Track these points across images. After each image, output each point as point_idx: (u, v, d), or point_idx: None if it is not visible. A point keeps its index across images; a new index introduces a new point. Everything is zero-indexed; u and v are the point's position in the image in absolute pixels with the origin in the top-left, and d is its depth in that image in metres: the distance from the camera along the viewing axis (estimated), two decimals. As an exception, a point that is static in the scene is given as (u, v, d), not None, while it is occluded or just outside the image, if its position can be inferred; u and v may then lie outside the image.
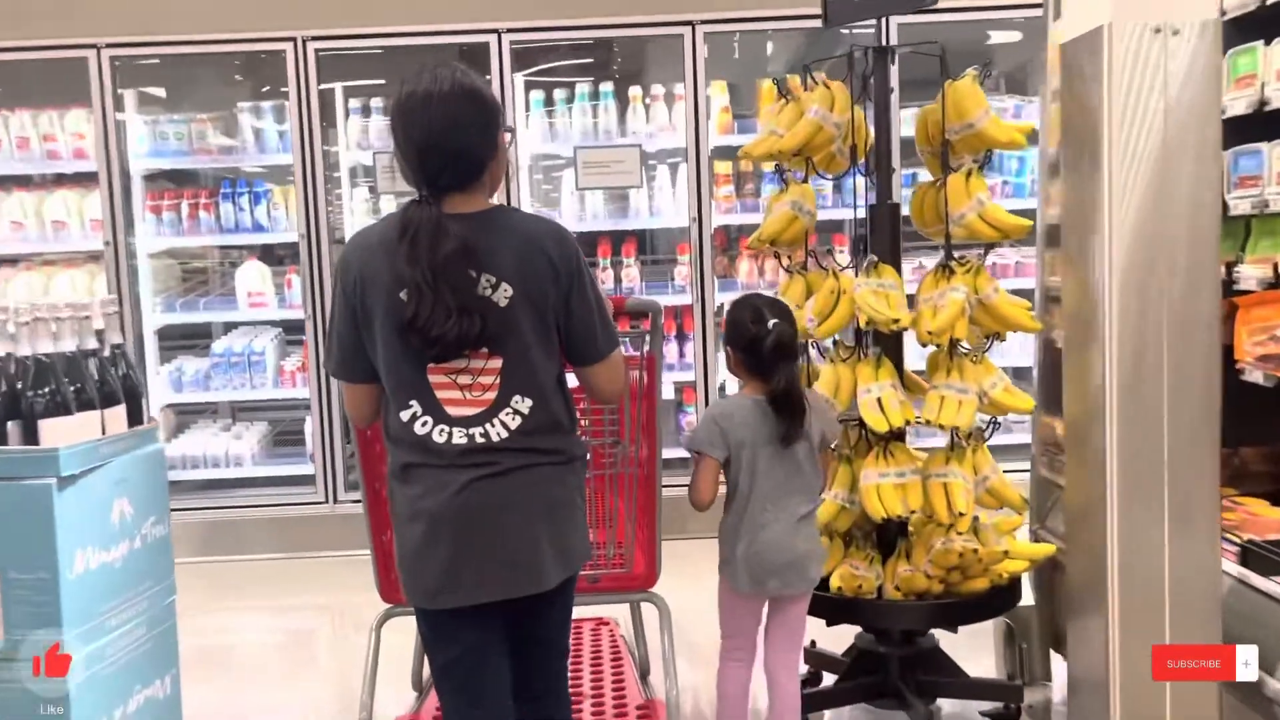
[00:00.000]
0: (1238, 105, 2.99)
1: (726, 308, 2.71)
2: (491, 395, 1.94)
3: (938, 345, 2.72)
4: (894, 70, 3.13)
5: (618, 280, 5.26)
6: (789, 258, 3.06)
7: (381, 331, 1.94)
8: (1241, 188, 3.01)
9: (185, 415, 5.66)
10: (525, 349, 1.95)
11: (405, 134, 1.93)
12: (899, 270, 2.84)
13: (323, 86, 5.02)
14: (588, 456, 2.16)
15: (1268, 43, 2.97)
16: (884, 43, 2.93)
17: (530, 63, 5.31)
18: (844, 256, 4.46)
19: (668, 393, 5.31)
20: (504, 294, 1.92)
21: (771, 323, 2.51)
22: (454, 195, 1.94)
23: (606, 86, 5.22)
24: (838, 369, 2.81)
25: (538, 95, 5.23)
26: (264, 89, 5.50)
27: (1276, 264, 2.88)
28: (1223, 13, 2.61)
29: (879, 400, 2.71)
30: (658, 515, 2.83)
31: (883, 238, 2.91)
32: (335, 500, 5.13)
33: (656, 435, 2.80)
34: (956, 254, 2.97)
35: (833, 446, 2.80)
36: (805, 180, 3.00)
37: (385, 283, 1.91)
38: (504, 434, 1.94)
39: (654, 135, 5.23)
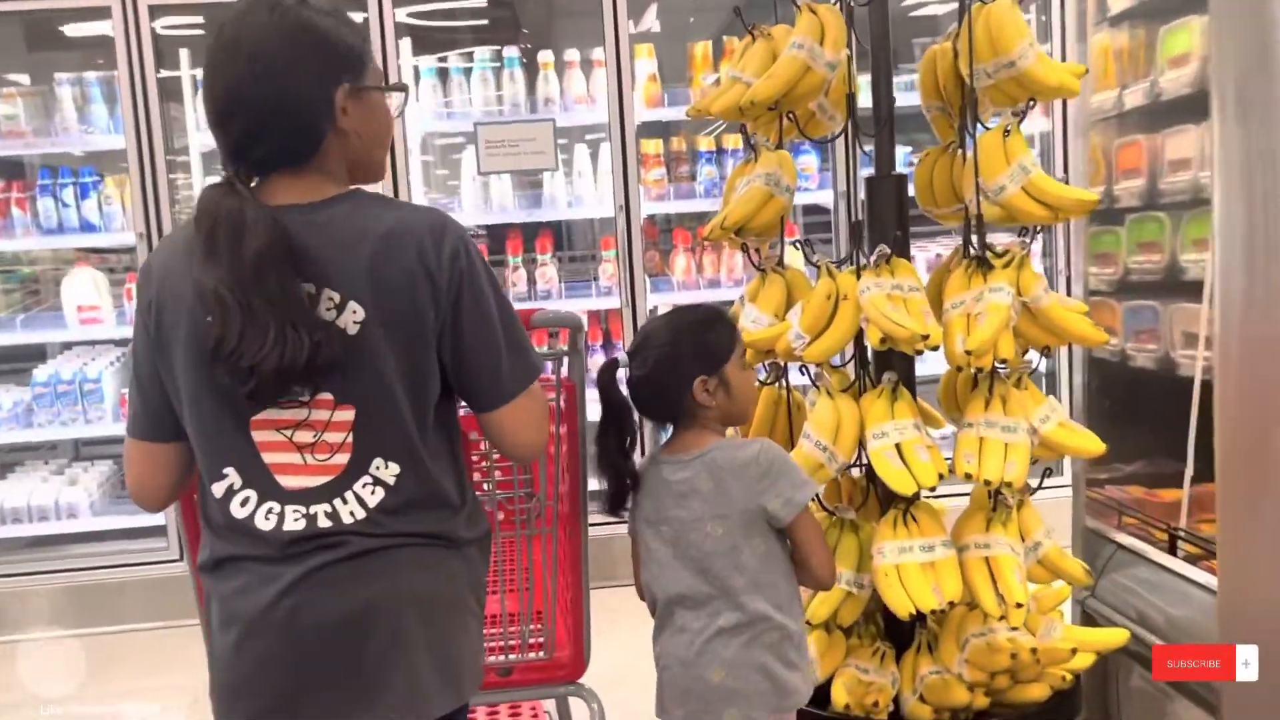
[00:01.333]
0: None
1: (673, 320, 1.93)
2: (342, 459, 1.42)
3: (977, 369, 1.97)
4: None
5: (532, 282, 4.43)
6: (757, 251, 2.28)
7: (184, 370, 1.43)
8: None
9: (7, 456, 4.66)
10: (387, 394, 1.41)
11: (209, 89, 1.43)
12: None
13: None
14: (489, 536, 1.59)
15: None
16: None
17: (416, 13, 4.44)
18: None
19: (594, 413, 4.49)
20: (352, 316, 1.39)
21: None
22: (279, 177, 1.44)
23: (511, 51, 4.38)
24: (837, 404, 2.03)
25: (428, 61, 4.37)
26: (93, 59, 4.53)
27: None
28: None
29: (898, 448, 1.95)
30: (585, 583, 2.20)
31: (886, 221, 2.15)
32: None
33: (581, 482, 2.16)
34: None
35: (833, 508, 2.03)
36: (780, 145, 2.22)
37: (188, 300, 1.41)
38: (359, 514, 1.43)
39: (570, 109, 4.41)
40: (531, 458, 1.69)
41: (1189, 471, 2.65)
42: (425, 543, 1.46)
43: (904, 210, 2.17)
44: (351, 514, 1.42)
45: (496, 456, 2.14)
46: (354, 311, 1.38)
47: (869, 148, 2.15)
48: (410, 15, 4.33)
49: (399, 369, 1.41)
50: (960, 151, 2.28)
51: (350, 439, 1.42)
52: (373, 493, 1.43)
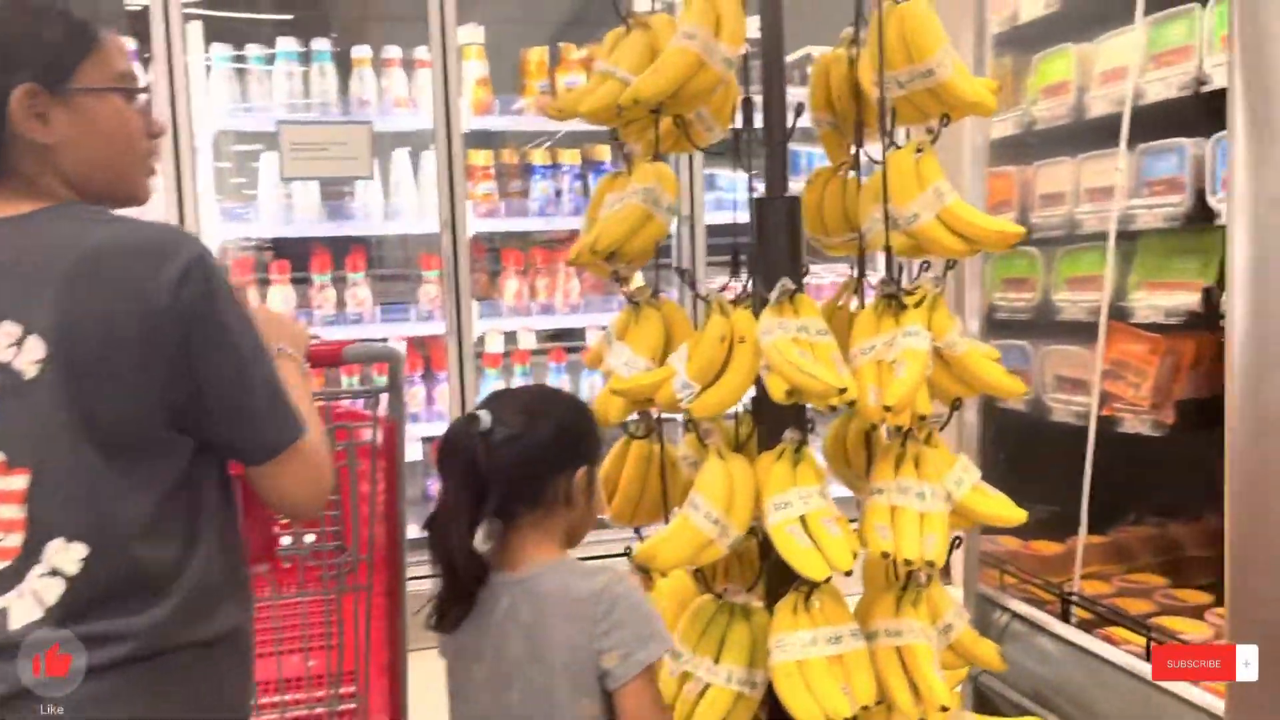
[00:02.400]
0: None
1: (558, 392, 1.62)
2: (15, 541, 1.16)
3: (896, 427, 1.68)
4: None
5: (341, 304, 3.93)
6: (625, 280, 1.92)
7: None
8: (1236, 187, 2.19)
9: None
10: (71, 456, 1.16)
11: None
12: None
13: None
14: (245, 626, 1.33)
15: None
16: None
17: (213, 2, 3.87)
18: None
19: (414, 452, 4.03)
20: (30, 357, 1.16)
21: None
22: None
23: (322, 44, 3.88)
24: (730, 467, 1.70)
25: (223, 49, 3.80)
26: None
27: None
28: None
29: (803, 521, 1.63)
30: (403, 644, 1.97)
31: (779, 249, 1.84)
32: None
33: (399, 531, 1.95)
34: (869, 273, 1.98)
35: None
36: (659, 157, 1.87)
37: None
38: (34, 614, 1.15)
39: (388, 112, 3.95)
40: (307, 515, 1.58)
41: (1083, 523, 2.48)
42: (129, 657, 1.16)
43: (798, 239, 1.87)
44: (26, 617, 1.14)
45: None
46: (33, 350, 1.15)
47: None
48: (198, 3, 3.76)
49: (88, 423, 1.16)
50: (855, 173, 2.01)
51: (25, 514, 1.16)
52: (50, 586, 1.15)
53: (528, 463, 1.50)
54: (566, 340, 4.37)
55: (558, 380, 4.20)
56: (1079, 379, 2.67)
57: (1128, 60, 2.46)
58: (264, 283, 3.89)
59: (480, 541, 1.50)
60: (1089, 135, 2.60)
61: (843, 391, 1.55)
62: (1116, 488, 2.55)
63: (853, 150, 1.98)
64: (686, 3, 1.70)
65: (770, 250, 1.82)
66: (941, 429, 1.81)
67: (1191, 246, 2.39)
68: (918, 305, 1.77)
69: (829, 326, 1.91)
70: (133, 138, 1.30)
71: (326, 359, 2.11)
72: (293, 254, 3.96)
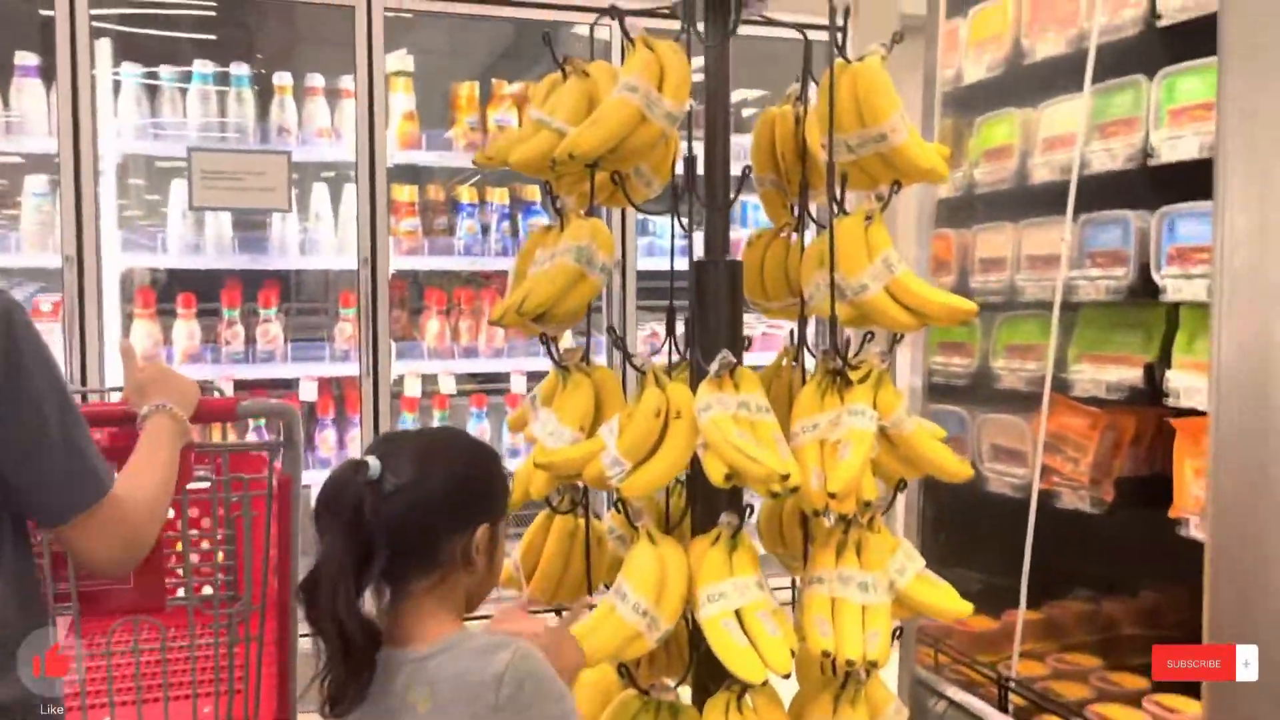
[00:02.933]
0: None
1: (458, 437, 1.45)
2: None
3: (840, 516, 1.56)
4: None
5: (250, 340, 3.71)
6: (554, 341, 1.78)
7: None
8: (1181, 262, 2.14)
9: None
10: None
11: None
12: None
13: None
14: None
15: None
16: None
17: (122, 17, 3.66)
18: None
19: (321, 499, 3.80)
20: None
21: None
22: None
23: (241, 69, 3.69)
24: (662, 552, 1.56)
25: (134, 68, 3.59)
26: None
27: (1244, 375, 2.02)
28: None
29: (738, 616, 1.50)
30: (293, 702, 1.94)
31: (718, 318, 1.73)
32: None
33: (292, 588, 1.93)
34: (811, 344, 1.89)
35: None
36: (592, 212, 1.75)
37: None
38: None
39: (309, 142, 3.77)
40: (115, 574, 1.62)
41: (1022, 604, 2.40)
42: None
43: (739, 304, 1.76)
44: None
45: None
46: None
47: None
48: (108, 19, 3.55)
49: None
50: (798, 236, 1.92)
51: None
52: None
53: (420, 518, 1.32)
54: (489, 384, 4.20)
55: (478, 427, 4.03)
56: (1016, 450, 2.60)
57: (1071, 127, 2.42)
58: (168, 316, 3.67)
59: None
60: (1031, 201, 2.55)
61: (786, 478, 1.43)
62: (1051, 562, 2.48)
63: (797, 212, 1.90)
64: (629, 53, 1.59)
65: (709, 317, 1.71)
66: (885, 512, 1.71)
67: (1133, 320, 2.34)
68: (863, 381, 1.67)
69: (768, 393, 1.81)
70: None
71: (220, 415, 1.97)
72: (201, 287, 3.74)
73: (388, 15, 3.63)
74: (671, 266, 1.87)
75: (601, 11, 1.63)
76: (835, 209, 1.66)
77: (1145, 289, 2.22)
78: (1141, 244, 2.24)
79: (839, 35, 1.66)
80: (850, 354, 1.71)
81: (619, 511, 1.68)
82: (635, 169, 1.79)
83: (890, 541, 1.70)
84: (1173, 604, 2.48)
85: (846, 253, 1.66)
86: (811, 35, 1.76)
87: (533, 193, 4.12)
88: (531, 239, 1.81)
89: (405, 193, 3.93)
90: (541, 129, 1.67)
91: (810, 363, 1.88)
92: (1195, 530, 2.06)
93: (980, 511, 2.69)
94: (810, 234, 1.90)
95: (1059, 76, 2.47)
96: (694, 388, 1.63)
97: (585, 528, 1.78)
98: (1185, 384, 2.10)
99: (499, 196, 4.04)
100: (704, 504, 1.63)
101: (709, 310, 1.72)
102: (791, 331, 1.91)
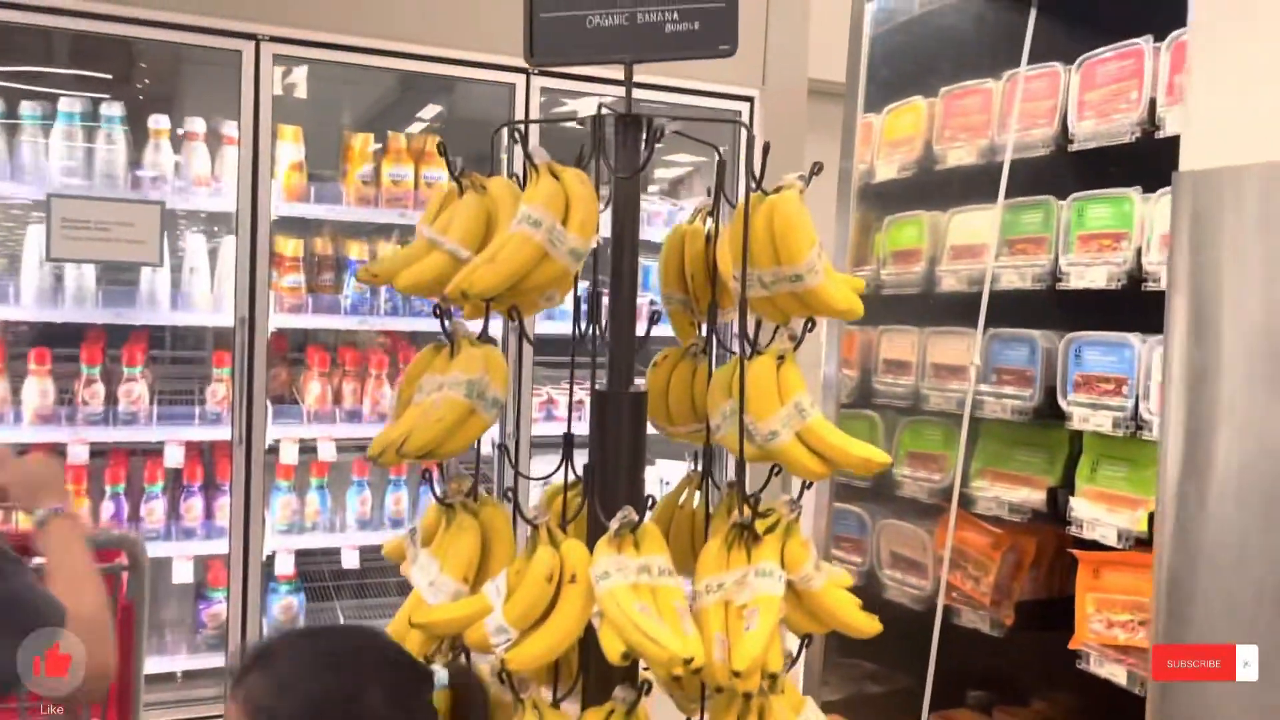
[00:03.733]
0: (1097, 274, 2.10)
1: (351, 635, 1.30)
2: None
3: (744, 694, 1.45)
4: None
5: (112, 401, 3.43)
6: (450, 478, 1.64)
7: None
8: (1087, 390, 2.11)
9: None
10: None
11: None
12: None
13: None
14: None
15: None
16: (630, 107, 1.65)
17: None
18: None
19: (184, 573, 3.55)
20: None
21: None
22: None
23: (113, 109, 3.43)
24: (549, 729, 1.42)
25: (-10, 102, 3.31)
26: None
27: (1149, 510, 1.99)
28: None
29: (633, 802, 1.37)
30: None
31: (620, 456, 1.60)
32: None
33: (134, 705, 2.03)
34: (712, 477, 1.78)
35: None
36: (485, 336, 1.61)
37: None
38: None
39: (186, 189, 3.52)
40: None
41: (926, 698, 2.33)
42: None
43: (642, 446, 1.64)
44: None
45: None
46: None
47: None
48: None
49: None
50: (705, 357, 1.81)
51: None
52: None
53: None
54: (373, 450, 3.99)
55: (359, 496, 3.82)
56: (915, 561, 2.55)
57: (979, 238, 2.39)
58: (19, 373, 3.37)
59: None
60: (937, 309, 2.52)
61: (688, 662, 1.31)
62: (946, 673, 2.42)
63: (705, 334, 1.79)
64: (532, 179, 1.46)
65: (610, 458, 1.58)
66: (788, 669, 1.61)
67: (1037, 440, 2.31)
68: (770, 531, 1.56)
69: (670, 524, 1.71)
70: None
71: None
72: (57, 341, 3.45)
73: (277, 59, 3.43)
74: (570, 390, 1.74)
75: (505, 124, 1.49)
76: (746, 349, 1.56)
77: (1051, 411, 2.20)
78: (1048, 365, 2.21)
79: (756, 163, 1.56)
80: (756, 488, 1.61)
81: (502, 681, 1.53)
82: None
83: (796, 700, 1.60)
84: (1063, 715, 2.45)
85: (757, 396, 1.55)
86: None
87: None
88: (419, 360, 1.65)
89: (290, 246, 3.71)
90: (433, 249, 1.53)
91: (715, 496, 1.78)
92: (1094, 665, 2.03)
93: (879, 614, 2.63)
94: (717, 356, 1.80)
95: (969, 185, 2.45)
96: (591, 538, 1.50)
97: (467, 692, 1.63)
98: (1088, 514, 2.07)
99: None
100: (597, 673, 1.50)
101: (609, 449, 1.59)
102: (697, 453, 1.81)
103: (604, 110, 1.53)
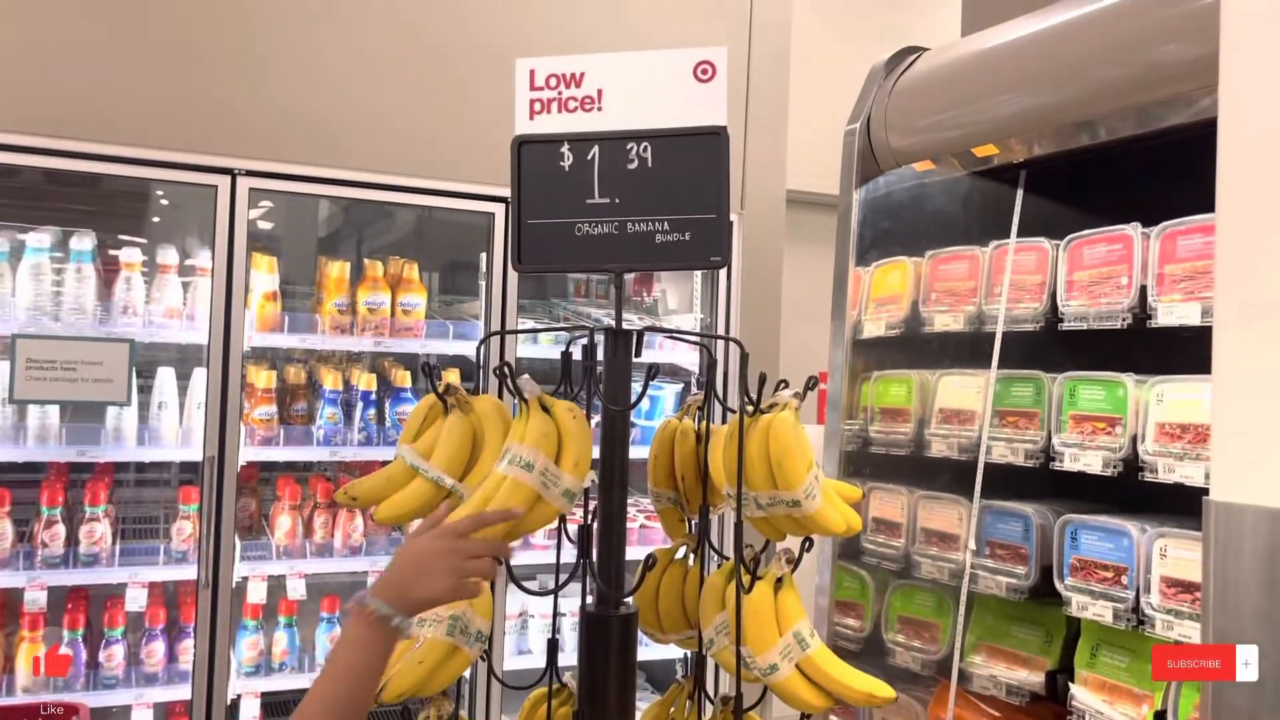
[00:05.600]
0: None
1: None
2: None
3: None
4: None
5: (73, 541, 3.31)
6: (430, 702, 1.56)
7: None
8: (1084, 575, 2.06)
9: None
10: None
11: None
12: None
13: None
14: None
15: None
16: (619, 321, 1.60)
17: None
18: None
19: (145, 723, 3.39)
20: None
21: None
22: None
23: (83, 243, 3.37)
24: None
25: (-44, 240, 3.23)
26: None
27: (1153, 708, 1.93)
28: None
29: None
30: None
31: (606, 684, 1.53)
32: None
33: None
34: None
35: None
36: (470, 562, 1.54)
37: None
38: None
39: (157, 324, 3.45)
40: None
41: None
42: None
43: (632, 666, 1.56)
44: None
45: None
46: None
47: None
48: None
49: None
50: (697, 560, 1.75)
51: None
52: None
53: None
54: (346, 584, 3.87)
55: (328, 635, 3.69)
56: (910, 734, 2.47)
57: (968, 404, 2.36)
58: (-26, 516, 3.24)
59: None
60: (928, 473, 2.47)
61: None
62: None
63: (698, 537, 1.73)
64: (521, 415, 1.41)
65: (601, 680, 1.51)
66: None
67: (1034, 618, 2.25)
68: (769, 767, 1.49)
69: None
70: None
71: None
72: (16, 481, 3.34)
73: (253, 192, 3.39)
74: (555, 611, 1.67)
75: (493, 334, 1.44)
76: (744, 579, 1.50)
77: (1048, 590, 2.14)
78: (1043, 543, 2.16)
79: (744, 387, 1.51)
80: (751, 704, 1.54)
81: None
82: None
83: None
84: None
85: (755, 626, 1.49)
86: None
87: (403, 378, 3.88)
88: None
89: (262, 377, 3.64)
90: (416, 476, 1.46)
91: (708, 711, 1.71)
92: None
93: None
94: (711, 561, 1.74)
95: (957, 350, 2.42)
96: (581, 781, 1.42)
97: None
98: (1091, 704, 2.01)
99: (366, 382, 3.79)
100: None
101: (599, 669, 1.52)
102: (686, 657, 1.73)
103: (596, 334, 1.48)
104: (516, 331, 1.57)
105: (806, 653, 1.49)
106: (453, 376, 3.73)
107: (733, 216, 4.06)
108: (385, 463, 3.86)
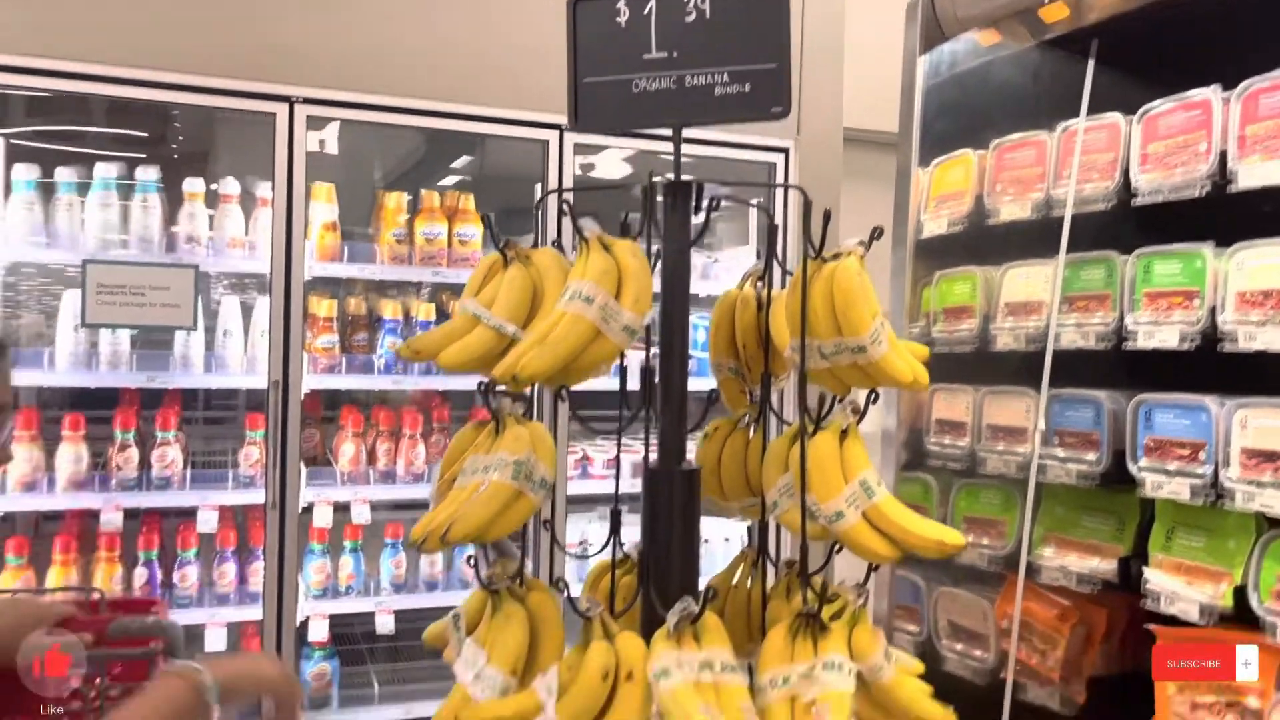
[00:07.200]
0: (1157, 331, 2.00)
1: None
2: None
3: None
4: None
5: (145, 464, 3.39)
6: (486, 560, 1.56)
7: None
8: (1160, 456, 2.00)
9: None
10: None
11: None
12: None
13: None
14: None
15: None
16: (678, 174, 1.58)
17: (16, 119, 3.39)
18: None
19: (218, 640, 3.48)
20: None
21: None
22: None
23: (149, 174, 3.42)
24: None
25: (28, 172, 3.30)
26: None
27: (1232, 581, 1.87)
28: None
29: None
30: None
31: (671, 540, 1.52)
32: None
33: None
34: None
35: None
36: (534, 413, 1.54)
37: None
38: None
39: (220, 252, 3.50)
40: None
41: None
42: None
43: (696, 522, 1.55)
44: None
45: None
46: None
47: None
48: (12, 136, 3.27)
49: None
50: (759, 429, 1.73)
51: None
52: None
53: None
54: (407, 512, 3.92)
55: (392, 559, 3.74)
56: (975, 631, 2.43)
57: (1035, 294, 2.30)
58: (53, 438, 3.33)
59: None
60: (993, 368, 2.42)
61: (759, 771, 1.22)
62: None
63: (759, 404, 1.71)
64: (582, 254, 1.40)
65: (664, 544, 1.50)
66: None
67: (1104, 505, 2.20)
68: (835, 617, 1.47)
69: (724, 605, 1.61)
70: None
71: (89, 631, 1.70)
72: (91, 406, 3.42)
73: (311, 120, 3.41)
74: (617, 477, 1.66)
75: (550, 192, 1.43)
76: (808, 427, 1.48)
77: (1119, 476, 2.09)
78: (1115, 428, 2.11)
79: (815, 232, 1.49)
80: (817, 570, 1.52)
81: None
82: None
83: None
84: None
85: (819, 474, 1.47)
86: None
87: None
88: (462, 437, 1.59)
89: (324, 306, 3.68)
90: (478, 325, 1.46)
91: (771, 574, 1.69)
92: (1179, 750, 1.90)
93: (937, 688, 2.51)
94: (772, 428, 1.72)
95: (1023, 240, 2.36)
96: (645, 627, 1.42)
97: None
98: (1165, 587, 1.96)
99: (424, 312, 3.81)
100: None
101: (661, 532, 1.51)
102: (753, 527, 1.72)
103: (655, 179, 1.46)
104: (576, 189, 1.56)
105: (873, 501, 1.47)
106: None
107: (788, 143, 4.01)
108: (445, 391, 3.93)
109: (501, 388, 1.58)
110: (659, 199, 1.51)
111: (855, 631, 1.47)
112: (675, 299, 1.49)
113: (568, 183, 3.40)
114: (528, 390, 1.57)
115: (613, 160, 4.19)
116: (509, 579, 1.54)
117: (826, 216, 1.44)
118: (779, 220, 3.80)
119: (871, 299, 1.47)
